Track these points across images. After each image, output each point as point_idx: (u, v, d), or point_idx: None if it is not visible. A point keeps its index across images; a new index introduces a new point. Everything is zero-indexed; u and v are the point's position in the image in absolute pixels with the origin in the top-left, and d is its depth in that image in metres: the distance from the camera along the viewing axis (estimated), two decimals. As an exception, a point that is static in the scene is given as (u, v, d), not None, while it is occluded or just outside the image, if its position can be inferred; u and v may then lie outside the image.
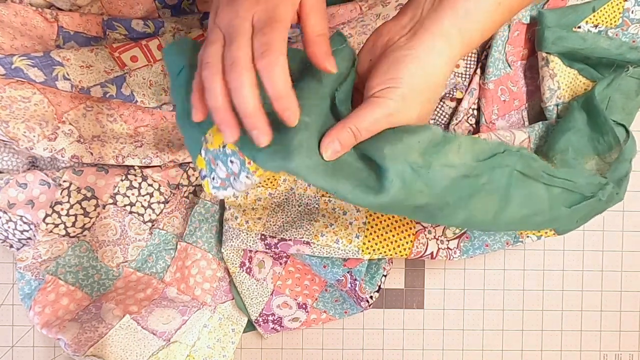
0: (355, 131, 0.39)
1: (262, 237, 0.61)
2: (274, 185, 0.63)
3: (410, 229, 0.61)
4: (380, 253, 0.60)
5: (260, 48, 0.35)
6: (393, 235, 0.61)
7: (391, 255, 0.61)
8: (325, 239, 0.60)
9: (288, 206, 0.63)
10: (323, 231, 0.60)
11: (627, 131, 0.59)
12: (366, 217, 0.61)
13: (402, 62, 0.39)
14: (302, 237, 0.60)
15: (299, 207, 0.63)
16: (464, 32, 0.40)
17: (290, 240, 0.60)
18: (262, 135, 0.36)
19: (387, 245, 0.61)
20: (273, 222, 0.62)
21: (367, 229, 0.61)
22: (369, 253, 0.60)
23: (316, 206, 0.63)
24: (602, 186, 0.53)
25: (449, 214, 0.42)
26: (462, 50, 0.40)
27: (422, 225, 0.62)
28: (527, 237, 0.62)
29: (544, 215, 0.50)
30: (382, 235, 0.61)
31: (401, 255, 0.61)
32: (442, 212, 0.42)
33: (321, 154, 0.38)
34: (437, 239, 0.62)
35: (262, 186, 0.63)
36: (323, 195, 0.63)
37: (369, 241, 0.60)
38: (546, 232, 0.61)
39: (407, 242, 0.61)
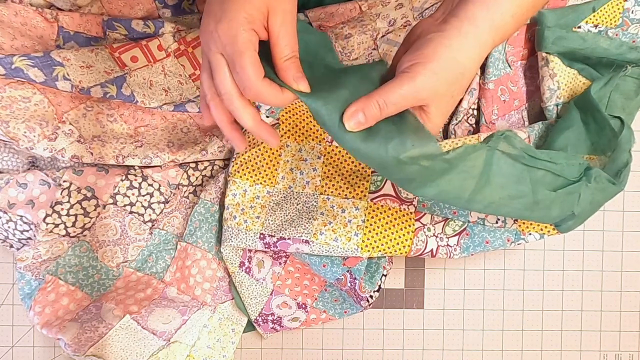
0: (382, 105, 0.39)
1: (261, 236, 0.61)
2: (272, 182, 0.63)
3: (410, 226, 0.61)
4: (380, 251, 0.60)
5: (240, 84, 0.40)
6: (392, 233, 0.61)
7: (390, 253, 0.61)
8: (324, 237, 0.60)
9: (287, 204, 0.63)
10: (322, 229, 0.60)
11: (622, 121, 0.59)
12: (365, 215, 0.61)
13: (432, 41, 0.40)
14: (301, 236, 0.60)
15: (297, 205, 0.63)
16: (493, 15, 0.40)
17: (289, 238, 0.60)
18: (271, 140, 0.42)
19: (386, 242, 0.61)
20: (272, 220, 0.62)
21: (366, 227, 0.61)
22: (368, 251, 0.60)
23: (314, 204, 0.62)
24: (585, 170, 0.53)
25: (417, 186, 0.44)
26: (492, 35, 0.41)
27: (421, 223, 0.62)
28: (529, 234, 0.61)
29: (527, 198, 0.50)
30: (380, 233, 0.61)
31: (400, 253, 0.61)
32: (414, 182, 0.44)
33: (343, 122, 0.40)
34: (437, 237, 0.62)
35: (261, 184, 0.63)
36: (322, 194, 0.63)
37: (367, 239, 0.60)
38: (548, 231, 0.61)
39: (406, 240, 0.61)
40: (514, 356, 0.72)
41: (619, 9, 0.64)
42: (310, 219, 0.61)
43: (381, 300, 0.71)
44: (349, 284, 0.63)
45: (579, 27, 0.62)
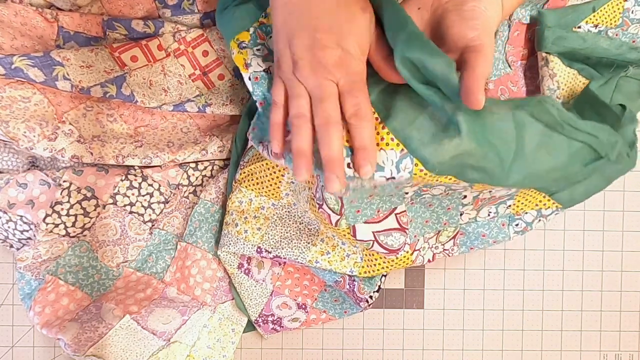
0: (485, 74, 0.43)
1: (258, 249, 0.61)
2: (276, 197, 0.62)
3: (408, 260, 0.60)
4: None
5: (352, 108, 0.44)
6: (390, 267, 0.61)
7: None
8: (320, 265, 0.61)
9: (289, 220, 0.62)
10: (318, 258, 0.60)
11: (623, 107, 0.56)
12: (363, 254, 0.61)
13: (477, 11, 0.44)
14: (297, 259, 0.60)
15: (299, 224, 0.62)
16: None
17: (284, 258, 0.61)
18: (336, 181, 0.43)
19: (384, 272, 0.61)
20: (271, 235, 0.61)
21: (363, 266, 0.61)
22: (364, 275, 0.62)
23: (316, 228, 0.61)
24: (614, 144, 0.51)
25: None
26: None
27: (416, 249, 0.60)
28: (526, 213, 0.59)
29: (560, 171, 0.49)
30: (378, 270, 0.61)
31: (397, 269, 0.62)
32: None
33: (474, 103, 0.40)
34: (432, 247, 0.62)
35: (266, 196, 0.62)
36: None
37: (364, 273, 0.61)
38: (544, 204, 0.58)
39: (403, 266, 0.61)
40: (514, 356, 0.72)
41: (619, 9, 0.64)
42: (309, 243, 0.61)
43: (381, 300, 0.71)
44: (347, 286, 0.63)
45: (579, 27, 0.62)
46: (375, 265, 0.60)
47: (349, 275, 0.62)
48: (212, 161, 0.65)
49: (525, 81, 0.67)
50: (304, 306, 0.66)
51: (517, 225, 0.61)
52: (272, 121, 0.47)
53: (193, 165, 0.64)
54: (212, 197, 0.64)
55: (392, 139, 0.45)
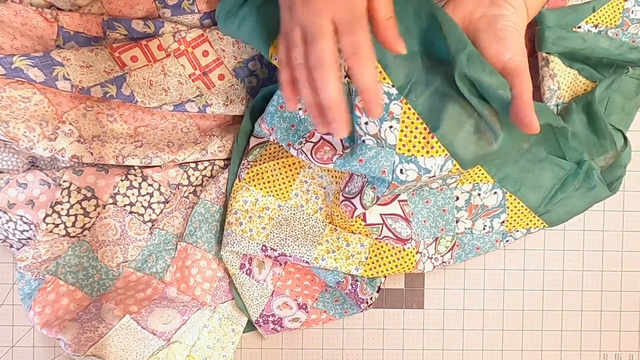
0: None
1: (264, 247, 0.61)
2: (284, 197, 0.62)
3: (411, 263, 0.61)
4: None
5: (349, 47, 0.40)
6: (393, 268, 0.61)
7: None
8: (325, 263, 0.61)
9: (294, 222, 0.62)
10: (324, 256, 0.61)
11: (625, 138, 0.61)
12: (369, 253, 0.61)
13: (508, 30, 0.47)
14: (303, 257, 0.61)
15: (304, 226, 0.62)
16: None
17: (290, 256, 0.61)
18: (342, 127, 0.41)
19: (387, 274, 0.62)
20: (276, 233, 0.62)
21: (368, 264, 0.61)
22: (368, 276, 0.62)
23: (322, 231, 0.62)
24: (581, 161, 0.59)
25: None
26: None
27: (419, 252, 0.62)
28: (517, 231, 0.63)
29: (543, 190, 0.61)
30: (382, 271, 0.61)
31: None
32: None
33: (530, 128, 0.46)
34: (432, 259, 0.63)
35: (273, 196, 0.62)
36: (330, 222, 0.63)
37: (368, 274, 0.61)
38: (534, 223, 0.63)
39: (407, 271, 0.62)
40: (514, 356, 0.72)
41: (619, 9, 0.64)
42: (314, 242, 0.61)
43: (381, 300, 0.71)
44: (349, 287, 0.63)
45: (579, 27, 0.62)
46: (380, 265, 0.61)
47: (352, 276, 0.62)
48: (212, 161, 0.65)
49: (526, 81, 0.67)
50: (304, 306, 0.66)
51: (507, 241, 0.65)
52: (281, 81, 0.45)
53: (193, 165, 0.64)
54: (212, 197, 0.64)
55: (440, 147, 0.50)
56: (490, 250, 0.65)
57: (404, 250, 0.61)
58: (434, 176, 0.52)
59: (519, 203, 0.62)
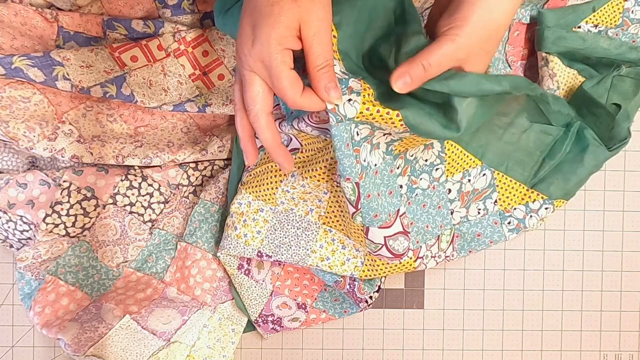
0: (427, 65, 0.41)
1: (259, 253, 0.61)
2: (272, 202, 0.61)
3: (410, 266, 0.60)
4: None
5: (250, 115, 0.44)
6: (391, 271, 0.61)
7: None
8: (321, 268, 0.61)
9: (287, 225, 0.61)
10: (319, 264, 0.60)
11: (618, 105, 0.60)
12: (364, 259, 0.61)
13: (468, 3, 0.41)
14: (298, 263, 0.61)
15: (297, 229, 0.61)
16: None
17: (285, 263, 0.61)
18: (285, 165, 0.46)
19: (385, 274, 0.61)
20: (271, 239, 0.61)
21: (364, 271, 0.61)
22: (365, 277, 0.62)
23: (315, 234, 0.61)
24: (570, 123, 0.57)
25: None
26: None
27: (419, 256, 0.61)
28: (514, 209, 0.62)
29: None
30: (379, 274, 0.61)
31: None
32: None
33: (392, 84, 0.42)
34: (435, 257, 0.62)
35: (262, 199, 0.61)
36: (324, 223, 0.61)
37: (367, 273, 0.61)
38: (531, 198, 0.62)
39: (404, 271, 0.62)
40: (514, 356, 0.72)
41: (619, 9, 0.64)
42: (308, 250, 0.60)
43: (381, 300, 0.71)
44: (347, 287, 0.63)
45: (579, 27, 0.62)
46: (376, 269, 0.60)
47: (349, 276, 0.62)
48: (212, 161, 0.65)
49: (525, 81, 0.67)
50: (303, 306, 0.66)
51: (509, 223, 0.62)
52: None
53: (193, 165, 0.64)
54: (212, 197, 0.64)
55: (399, 121, 0.46)
56: (495, 236, 0.63)
57: (400, 262, 0.59)
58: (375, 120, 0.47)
59: (507, 179, 0.61)
